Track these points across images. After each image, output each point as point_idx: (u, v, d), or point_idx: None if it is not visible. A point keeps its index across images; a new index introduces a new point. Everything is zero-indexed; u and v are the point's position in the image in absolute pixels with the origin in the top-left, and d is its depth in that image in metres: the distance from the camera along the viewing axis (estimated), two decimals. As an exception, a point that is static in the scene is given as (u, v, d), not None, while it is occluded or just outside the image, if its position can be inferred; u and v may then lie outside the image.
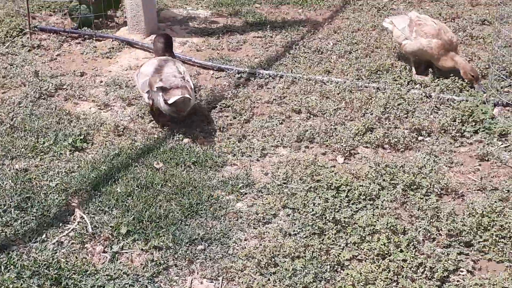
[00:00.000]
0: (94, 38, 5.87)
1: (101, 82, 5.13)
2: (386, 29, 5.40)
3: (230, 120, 4.54)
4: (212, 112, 4.63)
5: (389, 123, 4.32)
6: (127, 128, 4.42)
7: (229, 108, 4.66)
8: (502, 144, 4.07)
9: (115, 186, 3.77)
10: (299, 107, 4.61)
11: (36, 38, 5.87)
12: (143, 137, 4.30)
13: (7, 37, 5.85)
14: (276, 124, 4.45)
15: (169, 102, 4.17)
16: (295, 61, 5.37)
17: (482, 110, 4.33)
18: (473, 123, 4.25)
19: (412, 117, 4.39)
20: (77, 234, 3.41)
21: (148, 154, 4.10)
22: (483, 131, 4.20)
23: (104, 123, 4.45)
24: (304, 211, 3.51)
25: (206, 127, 4.42)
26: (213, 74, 5.27)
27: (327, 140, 4.20)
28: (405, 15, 5.16)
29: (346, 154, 4.07)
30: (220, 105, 4.69)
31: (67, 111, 4.61)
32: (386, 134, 4.17)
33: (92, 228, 3.44)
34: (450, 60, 4.77)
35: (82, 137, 4.25)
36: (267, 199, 3.65)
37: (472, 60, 5.17)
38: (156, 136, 4.33)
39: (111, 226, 3.43)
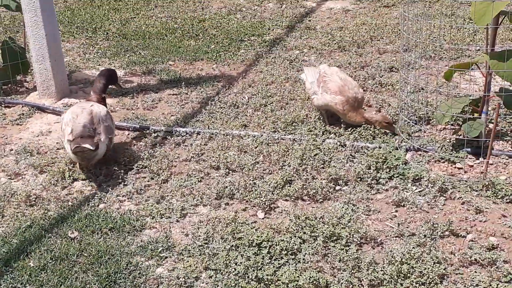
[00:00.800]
0: (2, 105, 5.69)
1: (11, 150, 4.94)
2: (302, 80, 5.49)
3: (148, 181, 4.45)
4: (129, 173, 4.54)
5: (307, 174, 4.34)
6: (40, 197, 4.26)
7: (146, 168, 4.58)
8: (416, 189, 4.16)
9: (27, 260, 3.59)
10: (218, 163, 4.59)
11: None
12: (56, 206, 4.15)
13: None
14: (195, 182, 4.40)
15: (72, 151, 4.37)
16: (212, 117, 5.37)
17: (395, 156, 4.43)
18: (388, 170, 4.34)
19: (329, 167, 4.44)
20: (-13, 316, 3.21)
21: (62, 223, 3.95)
22: (397, 177, 4.28)
23: (15, 193, 4.27)
24: (227, 271, 3.44)
25: (123, 190, 4.31)
26: (128, 134, 5.19)
27: (247, 196, 4.18)
28: (316, 68, 5.25)
29: (266, 209, 4.06)
30: (136, 166, 4.60)
31: (-26, 184, 4.41)
32: (305, 186, 4.19)
33: (3, 308, 3.26)
34: (360, 117, 4.88)
35: (-9, 210, 4.06)
36: (188, 261, 3.56)
37: (383, 107, 5.33)
38: (70, 203, 4.19)
39: (24, 304, 3.25)
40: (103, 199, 4.22)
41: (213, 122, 5.28)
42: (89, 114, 4.53)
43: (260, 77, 6.21)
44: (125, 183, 4.42)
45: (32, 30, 5.56)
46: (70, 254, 3.63)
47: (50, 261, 3.57)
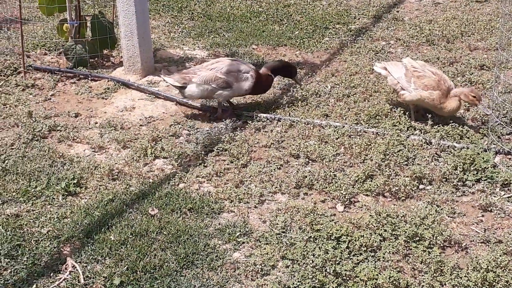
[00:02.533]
0: (89, 78, 5.81)
1: (96, 123, 5.04)
2: (379, 74, 5.30)
3: (227, 164, 4.45)
4: (209, 155, 4.55)
5: (390, 170, 4.23)
6: (122, 171, 4.33)
7: (226, 151, 4.58)
8: (505, 194, 3.99)
9: (108, 233, 3.66)
10: (298, 152, 4.53)
11: (31, 77, 5.81)
12: (138, 182, 4.20)
13: (1, 75, 5.79)
14: (274, 169, 4.36)
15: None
16: (293, 104, 5.31)
17: (483, 158, 4.26)
18: (475, 172, 4.18)
19: (413, 165, 4.31)
20: (69, 284, 3.29)
21: (143, 200, 4.00)
22: (485, 180, 4.12)
23: (98, 166, 4.35)
24: (304, 263, 3.40)
25: (203, 172, 4.32)
26: (210, 116, 5.20)
27: (326, 187, 4.11)
28: (399, 62, 5.08)
29: (346, 202, 3.98)
30: (217, 149, 4.60)
31: (60, 154, 4.52)
32: (387, 182, 4.09)
33: (84, 278, 3.32)
34: (452, 100, 4.73)
35: (75, 181, 4.15)
36: (265, 249, 3.54)
37: (472, 107, 5.13)
38: (151, 180, 4.24)
39: (104, 277, 3.31)
40: (183, 179, 4.25)
41: (294, 109, 5.22)
42: (213, 62, 5.08)
43: (344, 66, 6.10)
44: (205, 165, 4.44)
45: (122, 6, 5.63)
46: (150, 231, 3.67)
47: (130, 236, 3.63)
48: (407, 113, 4.97)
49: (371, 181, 4.14)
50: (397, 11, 7.68)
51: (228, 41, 6.85)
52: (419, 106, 4.94)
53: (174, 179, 4.24)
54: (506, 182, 4.07)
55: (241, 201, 4.02)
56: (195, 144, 4.67)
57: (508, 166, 4.25)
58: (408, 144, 4.55)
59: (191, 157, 4.51)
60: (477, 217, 3.81)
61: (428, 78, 4.80)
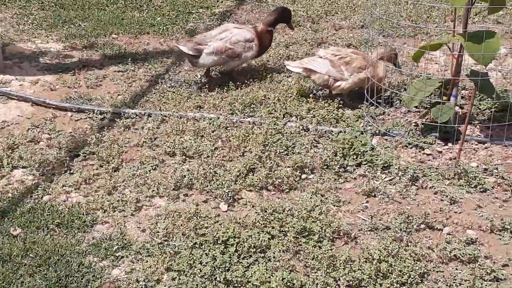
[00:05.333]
0: None
1: None
2: (297, 74, 4.94)
3: (97, 169, 4.08)
4: (75, 161, 4.15)
5: (271, 162, 4.06)
6: (-25, 188, 3.82)
7: (94, 155, 4.20)
8: (386, 177, 3.95)
9: (-36, 263, 3.19)
10: (173, 149, 4.25)
11: None
12: (-5, 199, 3.73)
13: None
14: (149, 171, 4.05)
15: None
16: (163, 97, 5.00)
17: (361, 141, 4.20)
18: (354, 156, 4.11)
19: (293, 153, 4.17)
20: None
21: (3, 219, 3.54)
22: (366, 164, 4.06)
23: None
24: (191, 273, 3.14)
25: (69, 180, 3.92)
26: (71, 116, 4.77)
27: (207, 186, 3.87)
28: (315, 57, 4.88)
29: (230, 200, 3.76)
30: (83, 153, 4.21)
31: None
32: (269, 175, 3.91)
33: None
34: (379, 65, 4.66)
35: None
36: (147, 261, 3.24)
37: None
38: (10, 195, 3.77)
39: (-38, 316, 2.87)
40: (48, 190, 3.83)
41: (164, 103, 4.92)
42: (221, 30, 5.23)
43: (212, 53, 5.84)
44: (71, 172, 4.03)
45: (-40, -2, 5.01)
46: (14, 255, 3.24)
47: (-9, 264, 3.19)
48: (281, 100, 4.82)
49: (253, 175, 3.96)
50: (260, -7, 7.55)
51: (86, 31, 6.37)
52: (354, 88, 4.85)
53: (37, 192, 3.81)
54: (386, 164, 4.04)
55: (115, 209, 3.68)
56: (58, 149, 4.24)
57: (385, 147, 4.23)
58: (286, 132, 4.41)
59: (54, 164, 4.08)
60: (362, 203, 3.74)
61: (356, 60, 4.72)
